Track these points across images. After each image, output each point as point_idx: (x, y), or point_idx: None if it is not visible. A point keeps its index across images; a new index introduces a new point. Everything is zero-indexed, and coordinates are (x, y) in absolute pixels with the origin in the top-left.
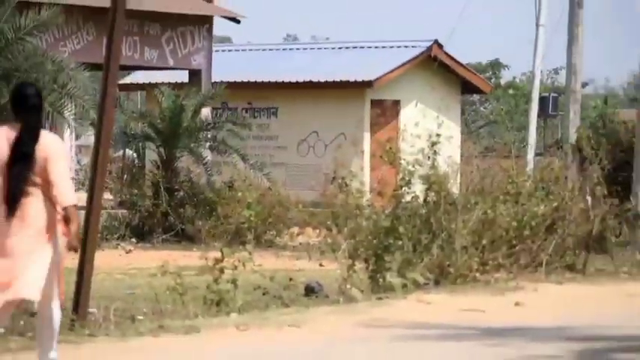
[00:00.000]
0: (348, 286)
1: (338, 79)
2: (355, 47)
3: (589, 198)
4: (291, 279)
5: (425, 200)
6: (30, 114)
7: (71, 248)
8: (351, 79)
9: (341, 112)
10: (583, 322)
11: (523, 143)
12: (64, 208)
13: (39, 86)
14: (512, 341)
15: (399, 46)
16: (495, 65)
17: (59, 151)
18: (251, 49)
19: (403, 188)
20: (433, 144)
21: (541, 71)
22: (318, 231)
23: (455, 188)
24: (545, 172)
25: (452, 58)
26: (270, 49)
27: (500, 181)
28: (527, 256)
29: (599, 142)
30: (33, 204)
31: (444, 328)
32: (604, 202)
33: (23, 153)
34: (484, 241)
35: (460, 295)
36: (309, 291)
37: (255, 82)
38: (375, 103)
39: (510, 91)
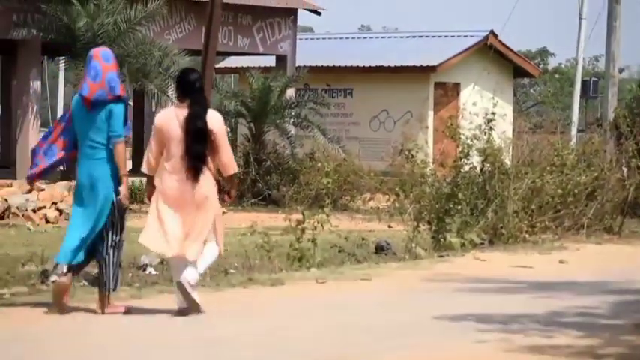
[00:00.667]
0: (414, 245)
1: (406, 64)
2: (421, 36)
3: (625, 169)
4: (363, 238)
5: (481, 170)
6: (198, 95)
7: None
8: (417, 64)
9: (408, 92)
10: (618, 278)
11: (567, 121)
12: (229, 175)
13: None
14: (558, 294)
15: (459, 36)
16: (543, 53)
17: (222, 126)
18: (330, 38)
19: (462, 160)
20: (489, 121)
21: (583, 58)
22: (387, 197)
23: (507, 160)
24: (587, 147)
25: (505, 46)
26: (346, 38)
27: (547, 154)
28: (571, 220)
29: (634, 120)
30: (202, 179)
31: (497, 282)
32: (638, 173)
33: (197, 127)
34: (532, 207)
35: (511, 253)
36: (379, 249)
37: (334, 66)
38: (438, 85)
39: (556, 76)
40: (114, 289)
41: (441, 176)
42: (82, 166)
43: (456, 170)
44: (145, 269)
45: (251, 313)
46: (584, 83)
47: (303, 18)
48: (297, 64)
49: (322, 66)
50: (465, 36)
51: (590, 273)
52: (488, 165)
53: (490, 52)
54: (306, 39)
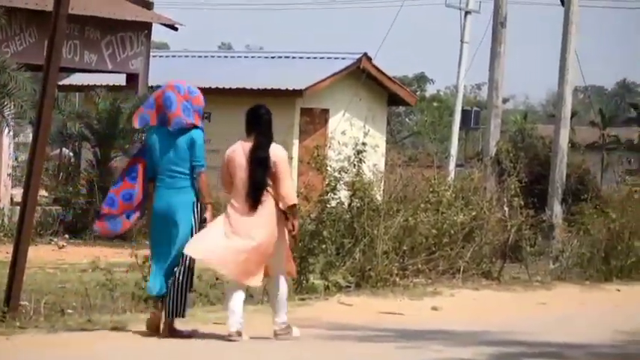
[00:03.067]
0: None
1: (269, 87)
2: (287, 57)
3: (506, 208)
4: (217, 278)
5: (349, 206)
6: (263, 128)
7: (294, 237)
8: (282, 88)
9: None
10: (497, 328)
11: (445, 154)
12: (289, 207)
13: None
14: (429, 344)
15: (329, 57)
16: (421, 79)
17: (285, 158)
18: (187, 56)
19: (329, 194)
20: (359, 152)
21: (464, 86)
22: None
23: (378, 195)
24: (465, 183)
25: (379, 71)
26: (205, 57)
27: (422, 189)
28: (446, 263)
29: (518, 155)
30: (265, 200)
31: (363, 329)
32: (520, 213)
33: (260, 157)
34: (404, 247)
35: (380, 298)
36: None
37: None
38: (305, 112)
39: (434, 104)
40: (183, 316)
41: (304, 211)
42: (160, 195)
43: (321, 205)
44: None
45: None
46: (465, 113)
47: (158, 33)
48: (150, 84)
49: None
50: (335, 58)
51: (465, 322)
52: (356, 200)
53: (363, 76)
54: (161, 56)
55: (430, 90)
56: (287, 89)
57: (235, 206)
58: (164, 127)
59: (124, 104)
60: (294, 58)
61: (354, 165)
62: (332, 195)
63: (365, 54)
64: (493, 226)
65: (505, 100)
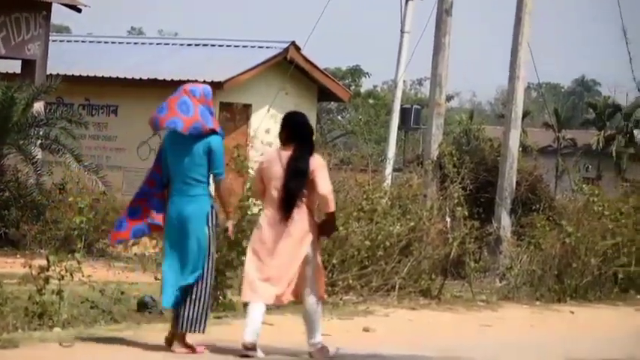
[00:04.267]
0: None
1: (185, 78)
2: (206, 45)
3: (448, 219)
4: (122, 292)
5: None
6: (304, 138)
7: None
8: (200, 79)
9: None
10: (435, 352)
11: (381, 157)
12: (328, 214)
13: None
14: None
15: (253, 46)
16: (356, 72)
17: (323, 165)
18: (92, 41)
19: (250, 199)
20: None
21: (404, 81)
22: (155, 241)
23: None
24: (403, 189)
25: (309, 62)
26: (112, 42)
27: (355, 196)
28: (380, 279)
29: (462, 159)
30: (298, 212)
31: (286, 353)
32: (464, 224)
33: (300, 169)
34: (334, 260)
35: None
36: (142, 306)
37: (95, 76)
38: (224, 107)
39: (370, 101)
40: (202, 332)
41: (222, 219)
42: (173, 203)
43: (241, 212)
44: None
45: None
46: (404, 112)
47: (59, 15)
48: (48, 72)
49: (81, 76)
50: (259, 47)
51: (400, 345)
52: None
53: (290, 68)
54: (62, 41)
55: (366, 85)
56: (204, 81)
57: (268, 216)
58: (179, 132)
59: (18, 94)
60: (212, 46)
61: None
62: (253, 201)
63: (293, 43)
64: (433, 239)
65: (449, 98)
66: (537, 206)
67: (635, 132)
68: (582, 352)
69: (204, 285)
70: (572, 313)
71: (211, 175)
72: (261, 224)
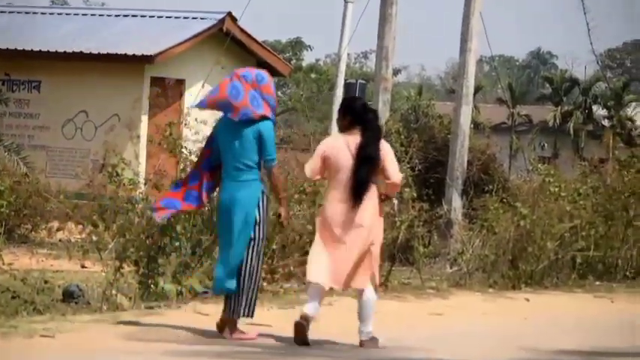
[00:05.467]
0: (114, 292)
1: (113, 52)
2: (135, 16)
3: (395, 201)
4: (46, 281)
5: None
6: (373, 124)
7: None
8: (129, 53)
9: (115, 89)
10: (382, 343)
11: (324, 135)
12: (391, 183)
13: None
14: None
15: (186, 17)
16: (296, 45)
17: (391, 152)
18: (11, 11)
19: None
20: None
21: (348, 54)
22: (81, 227)
23: None
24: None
25: (247, 34)
26: (34, 13)
27: (296, 177)
28: None
29: (410, 137)
30: (368, 201)
31: (223, 344)
32: (412, 207)
33: (370, 156)
34: (274, 246)
35: None
36: (68, 296)
37: (16, 49)
38: (156, 82)
39: (312, 75)
40: (251, 316)
41: (153, 202)
42: (225, 187)
43: None
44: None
45: None
46: (349, 87)
47: None
48: None
49: (0, 49)
50: (193, 18)
51: (344, 334)
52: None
53: (227, 40)
54: None
55: (307, 58)
56: (134, 55)
57: (335, 203)
58: (229, 117)
59: None
60: (143, 17)
61: None
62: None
63: (229, 14)
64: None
65: (396, 72)
66: (490, 187)
67: (594, 108)
68: (538, 341)
69: (252, 270)
70: (528, 300)
71: (262, 162)
72: (328, 211)
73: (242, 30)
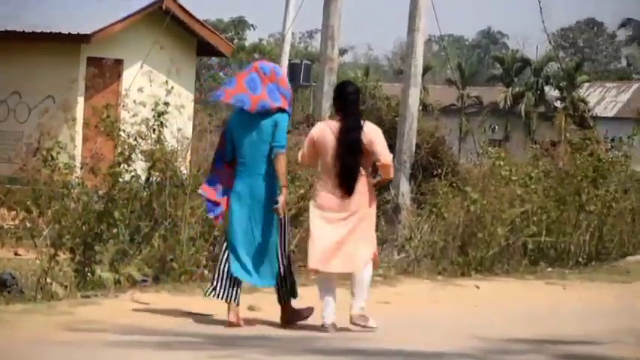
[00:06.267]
0: (49, 281)
1: (47, 31)
2: None
3: None
4: None
5: (147, 180)
6: (352, 108)
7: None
8: (64, 32)
9: (50, 70)
10: (327, 332)
11: None
12: (382, 165)
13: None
14: (245, 352)
15: None
16: (239, 24)
17: (380, 134)
18: None
19: (122, 165)
20: (160, 114)
21: (292, 33)
22: (14, 212)
23: (184, 168)
24: (291, 153)
25: (187, 13)
26: None
27: None
28: None
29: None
30: (358, 186)
31: (164, 334)
32: None
33: (352, 141)
34: (216, 232)
35: (185, 295)
36: (1, 284)
37: None
38: (92, 62)
39: (256, 55)
40: (294, 297)
41: (91, 187)
42: (243, 180)
43: (112, 179)
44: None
45: None
46: (293, 67)
47: None
48: None
49: None
50: None
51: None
52: (156, 174)
53: (166, 19)
54: None
55: (251, 38)
56: (69, 33)
57: (325, 190)
58: (246, 109)
59: None
60: None
61: (154, 130)
62: (125, 167)
63: None
64: None
65: (343, 52)
66: (439, 171)
67: (546, 89)
68: (488, 329)
69: (286, 255)
70: (478, 287)
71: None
72: (319, 197)
73: (182, 8)
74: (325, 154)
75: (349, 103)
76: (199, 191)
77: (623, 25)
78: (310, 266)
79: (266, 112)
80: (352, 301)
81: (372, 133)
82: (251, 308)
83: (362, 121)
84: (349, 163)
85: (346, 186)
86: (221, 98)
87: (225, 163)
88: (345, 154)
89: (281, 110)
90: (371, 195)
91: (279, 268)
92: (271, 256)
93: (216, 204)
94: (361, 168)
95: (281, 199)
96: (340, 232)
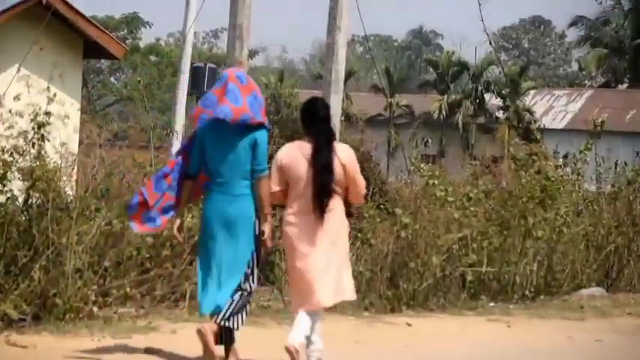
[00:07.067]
0: None
1: None
2: None
3: None
4: None
5: (26, 202)
6: (322, 126)
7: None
8: None
9: None
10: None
11: (167, 129)
12: (358, 191)
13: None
14: None
15: None
16: (133, 21)
17: (353, 158)
18: None
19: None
20: (40, 126)
21: (195, 33)
22: None
23: (69, 188)
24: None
25: (72, 8)
26: None
27: (133, 180)
28: (166, 286)
29: (271, 132)
30: (332, 210)
31: None
32: (273, 215)
33: (324, 163)
34: (107, 263)
35: (70, 336)
36: None
37: None
38: None
39: (152, 58)
40: (236, 328)
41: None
42: (214, 200)
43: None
44: None
45: None
46: (196, 71)
47: None
48: None
49: None
50: None
51: None
52: (37, 195)
53: (47, 15)
54: None
55: (147, 37)
56: None
57: (297, 220)
58: (225, 123)
59: None
60: None
61: (33, 144)
62: (0, 187)
63: None
64: None
65: (253, 54)
66: (365, 191)
67: (487, 96)
68: None
69: (252, 288)
70: (410, 325)
71: (252, 170)
72: (292, 226)
73: (66, 3)
74: (297, 180)
75: (320, 120)
76: (141, 188)
77: (573, 23)
78: (300, 308)
79: (243, 127)
80: (311, 341)
81: (348, 157)
82: (148, 350)
83: (332, 140)
84: (323, 183)
85: (320, 207)
86: (202, 122)
87: (186, 177)
88: (319, 175)
89: (261, 125)
90: (342, 213)
91: (236, 296)
92: (235, 284)
93: (154, 210)
94: (336, 194)
95: (267, 228)
96: (322, 259)
